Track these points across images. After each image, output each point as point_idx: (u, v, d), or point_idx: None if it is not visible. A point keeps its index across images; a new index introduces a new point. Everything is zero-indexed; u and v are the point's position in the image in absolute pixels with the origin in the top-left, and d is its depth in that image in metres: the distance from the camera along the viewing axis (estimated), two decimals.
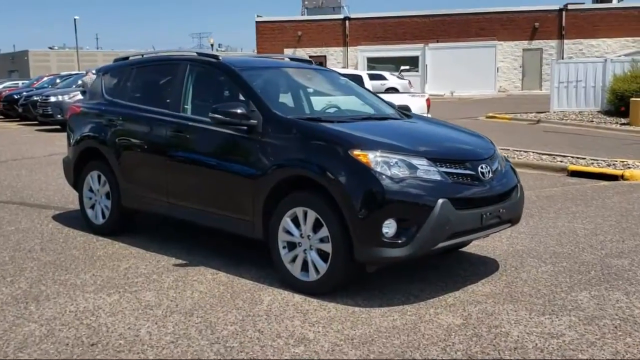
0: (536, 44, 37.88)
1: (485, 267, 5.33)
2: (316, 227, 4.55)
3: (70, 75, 25.47)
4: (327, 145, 4.49)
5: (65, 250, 5.86)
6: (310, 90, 6.00)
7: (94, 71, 20.95)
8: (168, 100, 5.76)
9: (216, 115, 4.95)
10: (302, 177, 4.61)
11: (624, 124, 20.34)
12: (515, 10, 37.94)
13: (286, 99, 5.72)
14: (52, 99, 19.08)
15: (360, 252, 4.31)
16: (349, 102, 5.98)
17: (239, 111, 4.90)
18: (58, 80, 25.04)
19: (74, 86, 20.94)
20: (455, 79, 36.85)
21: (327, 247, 4.46)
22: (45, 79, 27.72)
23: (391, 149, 4.43)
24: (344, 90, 6.17)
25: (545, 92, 37.32)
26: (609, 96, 22.53)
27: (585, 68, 24.09)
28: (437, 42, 38.12)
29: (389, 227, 4.25)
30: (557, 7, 37.33)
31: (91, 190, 6.52)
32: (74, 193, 8.37)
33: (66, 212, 7.55)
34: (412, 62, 38.04)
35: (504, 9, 38.14)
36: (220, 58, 5.61)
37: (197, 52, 5.82)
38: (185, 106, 5.64)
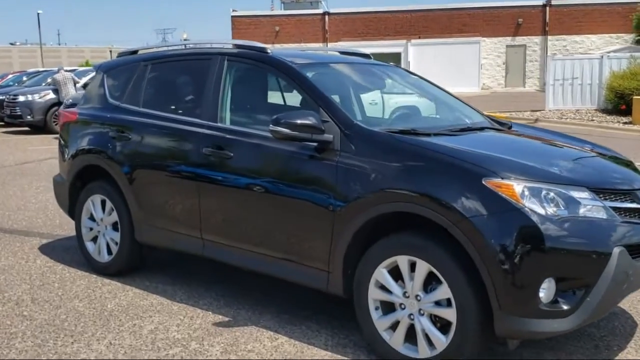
0: (520, 40, 37.13)
1: (620, 322, 4.14)
2: (429, 283, 3.31)
3: (39, 72, 23.71)
4: (447, 170, 3.25)
5: (64, 302, 4.50)
6: (384, 91, 4.73)
7: (65, 68, 19.40)
8: (199, 107, 4.45)
9: (279, 129, 3.65)
10: (408, 214, 3.36)
11: (626, 122, 19.55)
12: (498, 5, 37.11)
13: (360, 104, 4.44)
14: (21, 98, 17.46)
15: (503, 325, 3.07)
16: (426, 106, 4.74)
17: (311, 123, 3.62)
18: (25, 78, 23.28)
19: (43, 84, 19.31)
20: (438, 77, 35.72)
21: (448, 314, 3.22)
22: (11, 76, 25.87)
23: (541, 176, 3.20)
24: (416, 90, 4.92)
25: (529, 89, 36.65)
26: (607, 94, 21.73)
27: (581, 65, 23.25)
28: (420, 38, 37.10)
29: (547, 290, 3.03)
30: (540, 3, 36.61)
31: (92, 218, 5.16)
32: (61, 214, 7.01)
33: (55, 241, 6.16)
34: (395, 59, 36.83)
35: (487, 5, 37.28)
36: (270, 51, 4.30)
37: (236, 44, 4.49)
38: (223, 115, 4.32)
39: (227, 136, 4.18)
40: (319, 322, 4.10)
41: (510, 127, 4.42)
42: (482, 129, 4.21)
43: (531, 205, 3.05)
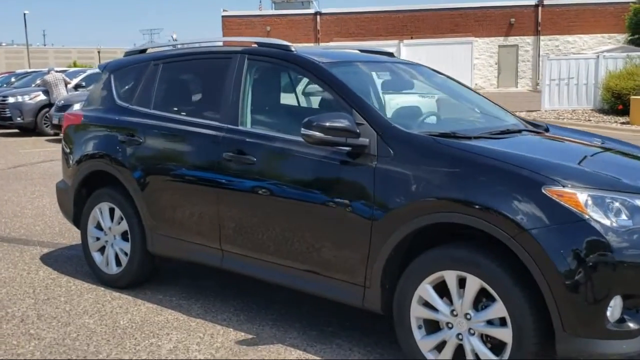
0: (512, 40, 37.06)
1: None
2: (480, 300, 3.05)
3: (28, 73, 23.26)
4: (502, 178, 2.98)
5: (73, 319, 4.20)
6: (413, 91, 4.46)
7: (56, 69, 18.98)
8: (217, 109, 4.16)
9: (311, 132, 3.38)
10: (456, 225, 3.10)
11: (623, 122, 19.45)
12: (490, 5, 37.01)
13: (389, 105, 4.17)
14: (11, 99, 17.04)
15: (566, 346, 2.82)
16: (456, 107, 4.48)
17: (346, 126, 3.35)
18: (13, 79, 22.83)
19: (33, 85, 18.90)
20: None
21: (503, 334, 2.96)
22: None
23: (604, 184, 2.95)
24: (445, 90, 4.65)
25: (522, 89, 36.55)
26: (603, 94, 21.62)
27: (577, 64, 23.14)
28: (412, 38, 36.91)
29: (614, 308, 2.78)
30: (533, 3, 36.54)
31: (99, 228, 4.86)
32: (60, 220, 6.70)
33: (57, 251, 5.84)
34: None
35: (479, 5, 37.17)
36: (294, 49, 4.03)
37: (257, 42, 4.20)
38: (244, 117, 4.04)
39: (249, 140, 3.89)
40: (349, 338, 3.83)
41: (547, 129, 4.17)
42: (519, 131, 3.96)
43: (596, 216, 2.80)
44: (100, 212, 4.82)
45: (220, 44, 4.55)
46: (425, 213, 3.13)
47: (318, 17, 38.37)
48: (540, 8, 36.38)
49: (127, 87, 4.85)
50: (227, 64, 4.19)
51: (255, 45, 4.21)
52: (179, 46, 4.85)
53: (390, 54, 4.86)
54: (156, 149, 4.39)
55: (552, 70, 23.35)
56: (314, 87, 4.12)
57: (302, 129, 3.41)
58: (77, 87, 17.41)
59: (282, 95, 4.38)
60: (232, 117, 4.04)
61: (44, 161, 12.09)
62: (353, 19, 38.04)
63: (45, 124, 16.75)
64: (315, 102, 4.24)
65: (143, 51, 5.03)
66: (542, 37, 36.49)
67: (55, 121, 15.06)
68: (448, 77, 4.75)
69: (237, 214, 3.95)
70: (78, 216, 5.03)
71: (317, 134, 3.37)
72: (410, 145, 3.31)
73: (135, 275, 4.66)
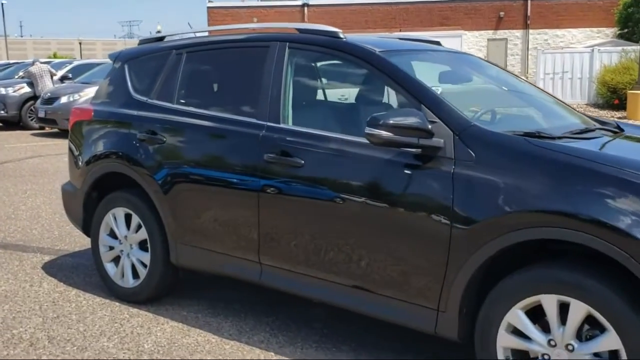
0: (501, 33, 36.76)
1: None
2: (590, 329, 2.61)
3: (9, 64, 22.46)
4: (617, 187, 2.54)
5: (89, 342, 3.70)
6: (478, 85, 3.99)
7: (41, 60, 18.23)
8: (254, 104, 3.68)
9: (378, 132, 2.92)
10: (546, 241, 2.66)
11: (620, 117, 19.23)
12: None
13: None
14: None
15: None
16: (513, 101, 4.04)
17: (418, 124, 2.90)
18: None
19: (16, 77, 18.15)
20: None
21: None
22: None
23: None
24: (499, 83, 4.19)
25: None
26: (599, 88, 21.40)
27: (571, 58, 22.93)
28: (400, 31, 36.43)
29: None
30: None
31: (113, 235, 4.35)
32: (58, 223, 6.17)
33: (59, 258, 5.32)
34: None
35: None
36: (344, 36, 3.55)
37: (299, 28, 3.72)
38: (286, 113, 3.56)
39: (295, 140, 3.41)
40: None
41: (621, 128, 3.74)
42: (595, 130, 3.52)
43: None
44: (114, 218, 4.31)
45: (253, 30, 4.03)
46: (520, 227, 2.68)
47: (306, 9, 37.77)
48: (529, 2, 36.10)
49: (144, 79, 4.34)
50: (264, 53, 3.70)
51: (297, 32, 3.72)
52: (198, 34, 4.34)
53: (438, 43, 4.40)
54: (183, 149, 3.90)
55: (547, 64, 23.09)
56: (369, 80, 3.64)
57: (367, 127, 2.94)
58: (63, 79, 16.73)
59: (331, 88, 3.90)
60: (273, 113, 3.56)
61: (31, 157, 11.48)
62: (341, 11, 37.49)
63: (30, 117, 16.08)
64: (368, 96, 3.76)
65: (160, 39, 4.51)
66: (531, 31, 36.25)
67: (41, 114, 14.44)
68: (501, 67, 4.31)
69: (280, 223, 3.47)
70: (88, 222, 4.52)
71: (385, 133, 2.90)
72: (498, 148, 2.85)
73: (155, 290, 4.17)
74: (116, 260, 4.37)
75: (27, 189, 8.36)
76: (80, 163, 4.48)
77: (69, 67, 17.64)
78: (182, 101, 4.04)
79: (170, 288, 4.26)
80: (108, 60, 17.37)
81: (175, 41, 4.31)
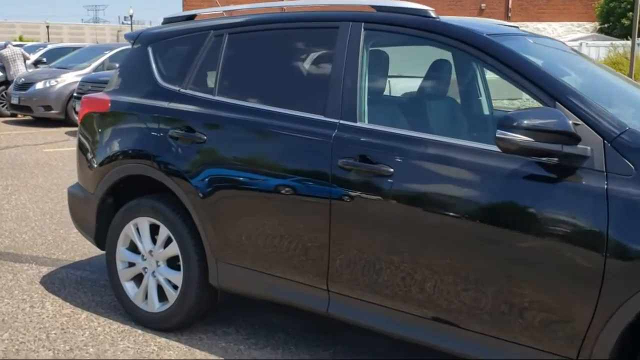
0: None
1: None
2: None
3: None
4: None
5: None
6: (581, 80, 3.39)
7: (13, 43, 17.14)
8: (320, 98, 3.03)
9: (511, 136, 2.30)
10: None
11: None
12: None
13: None
14: None
15: None
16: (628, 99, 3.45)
17: (561, 126, 2.29)
18: None
19: None
20: (399, 64, 34.76)
21: None
22: None
23: None
24: (598, 77, 3.60)
25: (494, 76, 35.92)
26: None
27: None
28: None
29: None
30: None
31: (134, 250, 3.67)
32: (50, 226, 5.44)
33: (59, 270, 4.60)
34: None
35: None
36: (435, 15, 2.92)
37: (378, 5, 3.06)
38: (362, 110, 2.92)
39: (382, 143, 2.78)
40: None
41: None
42: None
43: None
44: (137, 229, 3.63)
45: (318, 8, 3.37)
46: None
47: None
48: None
49: (174, 64, 3.66)
50: (333, 35, 3.05)
51: (373, 10, 3.07)
52: (245, 7, 3.66)
53: (514, 27, 3.78)
54: (229, 150, 3.23)
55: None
56: (461, 70, 3.02)
57: (499, 130, 2.32)
58: (37, 63, 15.72)
59: (422, 79, 3.27)
60: (347, 109, 2.92)
61: (7, 147, 10.60)
62: None
63: (1, 103, 15.06)
64: (469, 90, 3.15)
65: (191, 17, 3.82)
66: (512, 24, 36.00)
67: (14, 101, 13.50)
68: (586, 57, 3.73)
69: (359, 244, 2.83)
70: (102, 233, 3.82)
71: (521, 138, 2.29)
72: None
73: (187, 316, 3.50)
74: (137, 279, 3.69)
75: (8, 185, 7.55)
76: (93, 163, 3.77)
77: (43, 50, 16.63)
78: (226, 92, 3.37)
79: (203, 314, 3.59)
80: (85, 44, 16.31)
81: (212, 20, 3.61)
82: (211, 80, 3.43)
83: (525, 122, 2.29)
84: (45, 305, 3.94)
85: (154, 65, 3.69)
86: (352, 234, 2.84)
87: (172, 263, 3.53)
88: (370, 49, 3.01)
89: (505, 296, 2.48)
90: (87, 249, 5.03)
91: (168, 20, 3.89)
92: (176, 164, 3.36)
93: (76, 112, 12.12)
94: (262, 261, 3.15)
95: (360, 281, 2.85)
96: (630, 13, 25.34)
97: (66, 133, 12.26)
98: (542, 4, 35.77)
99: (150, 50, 3.75)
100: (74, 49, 16.10)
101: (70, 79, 13.26)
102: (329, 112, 2.96)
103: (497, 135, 2.33)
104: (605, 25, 31.98)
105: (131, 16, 49.70)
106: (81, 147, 3.91)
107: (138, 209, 3.59)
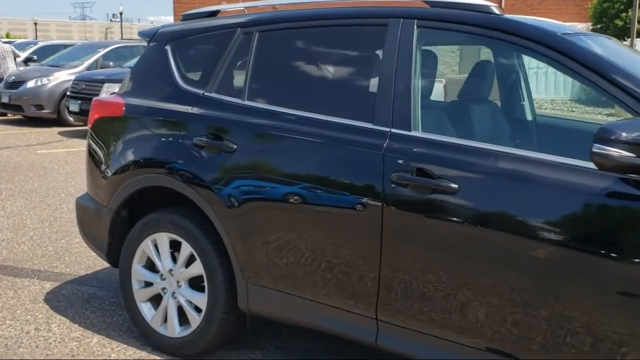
0: None
1: None
2: None
3: None
4: None
5: None
6: None
7: (3, 40, 16.67)
8: (366, 104, 2.73)
9: (612, 152, 2.01)
10: None
11: (608, 114, 18.84)
12: None
13: None
14: None
15: None
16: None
17: None
18: None
19: None
20: None
21: None
22: None
23: None
24: None
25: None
26: None
27: None
28: None
29: None
30: None
31: (152, 268, 3.35)
32: (51, 236, 5.11)
33: (62, 286, 4.27)
34: None
35: None
36: (499, 11, 2.63)
37: (428, 0, 2.76)
38: (416, 117, 2.61)
39: (443, 155, 2.47)
40: None
41: None
42: None
43: None
44: (155, 246, 3.30)
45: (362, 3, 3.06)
46: None
47: None
48: None
49: (196, 65, 3.34)
50: (381, 34, 2.74)
51: (426, 6, 2.76)
52: (277, 3, 3.35)
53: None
54: (263, 160, 2.91)
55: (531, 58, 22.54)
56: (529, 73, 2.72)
57: (596, 145, 2.03)
58: (27, 60, 15.28)
59: (484, 84, 2.96)
60: (400, 117, 2.61)
61: None
62: None
63: None
64: (525, 94, 2.85)
65: (214, 13, 3.49)
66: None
67: (4, 99, 13.08)
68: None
69: (415, 268, 2.53)
70: (115, 249, 3.49)
71: (622, 153, 1.99)
72: None
73: (211, 342, 3.19)
74: (155, 300, 3.37)
75: (2, 189, 7.19)
76: (107, 173, 3.44)
77: (34, 48, 16.17)
78: (257, 97, 3.05)
79: (230, 340, 3.27)
80: (78, 42, 15.84)
81: (239, 17, 3.29)
82: (240, 83, 3.12)
83: (625, 135, 1.99)
84: (52, 328, 3.61)
85: (173, 66, 3.37)
86: (408, 257, 2.53)
87: (195, 283, 3.21)
88: (426, 48, 2.70)
89: (595, 329, 2.19)
90: (92, 262, 4.70)
91: (187, 17, 3.56)
92: (202, 175, 3.04)
93: (69, 112, 11.74)
94: (300, 285, 2.84)
95: (415, 310, 2.55)
96: (624, 14, 25.31)
97: (59, 133, 11.88)
98: (535, 3, 35.72)
99: (168, 49, 3.43)
100: (66, 46, 15.68)
101: (62, 77, 12.87)
102: (378, 120, 2.65)
103: (593, 149, 2.04)
104: (599, 26, 31.85)
105: (121, 13, 49.07)
106: (92, 155, 3.57)
107: (157, 224, 3.27)
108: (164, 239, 3.26)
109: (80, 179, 7.76)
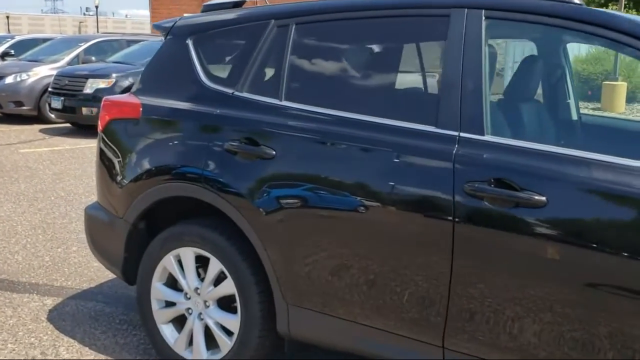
0: None
1: None
2: None
3: None
4: None
5: None
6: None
7: None
8: (428, 104, 2.44)
9: None
10: None
11: (594, 109, 18.82)
12: None
13: None
14: None
15: None
16: None
17: None
18: None
19: None
20: None
21: None
22: None
23: None
24: None
25: None
26: None
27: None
28: None
29: None
30: None
31: (174, 286, 3.02)
32: (45, 243, 4.75)
33: (66, 302, 3.92)
34: None
35: None
36: (580, 2, 2.34)
37: None
38: (487, 120, 2.32)
39: (529, 164, 2.18)
40: None
41: None
42: None
43: None
44: (179, 262, 2.98)
45: None
46: None
47: None
48: None
49: (224, 61, 3.01)
50: (442, 25, 2.44)
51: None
52: None
53: None
54: (308, 168, 2.60)
55: (516, 52, 22.44)
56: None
57: None
58: (4, 55, 14.74)
59: (566, 82, 2.68)
60: (470, 119, 2.31)
61: None
62: None
63: None
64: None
65: (239, 4, 3.16)
66: None
67: None
68: None
69: (494, 292, 2.23)
70: (132, 265, 3.15)
71: None
72: None
73: None
74: (178, 321, 3.04)
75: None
76: (122, 181, 3.10)
77: (11, 42, 15.59)
78: (296, 97, 2.73)
79: None
80: (57, 36, 15.22)
81: (272, 7, 2.96)
82: (275, 81, 2.79)
83: None
84: (60, 352, 3.26)
85: (196, 62, 3.03)
86: (484, 279, 2.24)
87: (225, 304, 2.89)
88: (495, 42, 2.41)
89: None
90: (94, 273, 4.36)
91: (209, 8, 3.22)
92: (236, 185, 2.72)
93: (51, 109, 11.27)
94: (351, 307, 2.53)
95: (489, 337, 2.26)
96: (611, 4, 25.26)
97: (40, 131, 11.41)
98: None
99: (190, 43, 3.09)
100: (44, 40, 15.13)
101: (43, 72, 12.37)
102: (443, 123, 2.35)
103: None
104: None
105: (96, 7, 48.13)
106: (104, 161, 3.22)
107: (181, 238, 2.94)
108: (189, 254, 2.93)
109: (69, 179, 7.37)
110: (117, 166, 3.13)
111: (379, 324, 2.48)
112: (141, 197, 3.00)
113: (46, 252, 4.81)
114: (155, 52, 3.26)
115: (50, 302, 3.89)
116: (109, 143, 3.19)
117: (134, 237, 3.10)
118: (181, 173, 2.88)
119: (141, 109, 3.08)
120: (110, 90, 10.63)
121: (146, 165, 3.00)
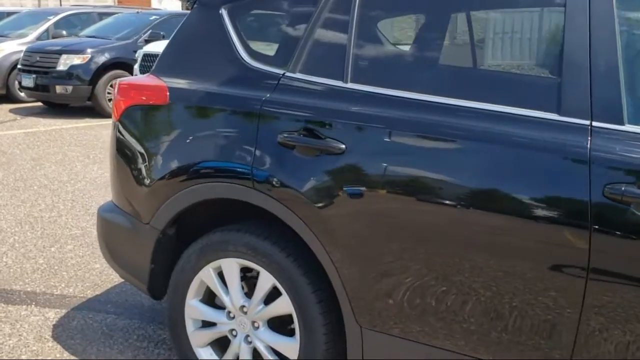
0: None
1: None
2: None
3: None
4: None
5: None
6: None
7: None
8: (542, 86, 1.99)
9: None
10: None
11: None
12: None
13: None
14: None
15: None
16: None
17: None
18: None
19: None
20: None
21: None
22: None
23: None
24: None
25: None
26: None
27: (521, 18, 22.04)
28: None
29: None
30: None
31: (213, 304, 2.55)
32: (35, 238, 4.24)
33: (70, 314, 3.43)
34: None
35: None
36: None
37: None
38: (627, 105, 1.88)
39: None
40: None
41: None
42: None
43: None
44: (219, 275, 2.50)
45: None
46: None
47: None
48: None
49: (269, 35, 2.51)
50: None
51: None
52: None
53: None
54: (390, 165, 2.12)
55: (496, 22, 22.11)
56: None
57: None
58: None
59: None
60: (604, 105, 1.88)
61: None
62: None
63: None
64: None
65: None
66: None
67: None
68: None
69: (629, 312, 1.82)
70: (161, 279, 2.66)
71: None
72: None
73: None
74: (218, 343, 2.58)
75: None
76: (146, 180, 2.59)
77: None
78: (366, 78, 2.25)
79: None
80: (22, 9, 14.31)
81: None
82: (339, 58, 2.30)
83: None
84: None
85: (234, 37, 2.52)
86: (629, 298, 1.82)
87: (278, 325, 2.44)
88: (631, 15, 1.97)
89: None
90: (97, 277, 3.87)
91: None
92: (295, 185, 2.24)
93: (21, 87, 10.57)
94: (446, 334, 2.10)
95: None
96: None
97: (10, 111, 10.71)
98: None
99: (224, 14, 2.57)
100: (9, 14, 14.23)
101: (10, 48, 11.61)
102: (568, 109, 1.91)
103: None
104: None
105: None
106: (122, 156, 2.71)
107: (224, 247, 2.46)
108: (233, 266, 2.46)
109: (50, 165, 6.79)
110: (140, 163, 2.63)
111: (485, 354, 2.05)
112: (172, 199, 2.51)
113: (38, 252, 4.29)
114: (179, 27, 2.74)
115: (52, 315, 3.39)
116: (129, 135, 2.67)
117: (162, 246, 2.61)
118: (224, 171, 2.39)
119: (168, 93, 2.57)
120: (86, 67, 10.00)
121: (178, 162, 2.50)
